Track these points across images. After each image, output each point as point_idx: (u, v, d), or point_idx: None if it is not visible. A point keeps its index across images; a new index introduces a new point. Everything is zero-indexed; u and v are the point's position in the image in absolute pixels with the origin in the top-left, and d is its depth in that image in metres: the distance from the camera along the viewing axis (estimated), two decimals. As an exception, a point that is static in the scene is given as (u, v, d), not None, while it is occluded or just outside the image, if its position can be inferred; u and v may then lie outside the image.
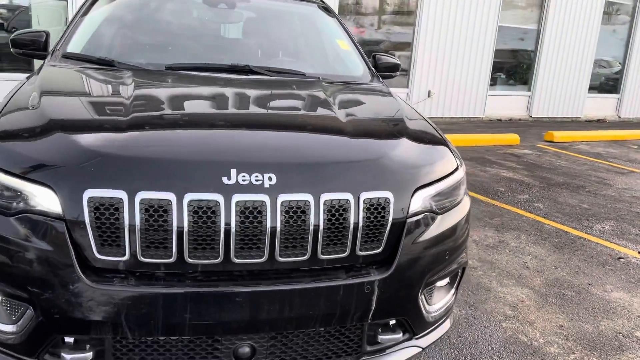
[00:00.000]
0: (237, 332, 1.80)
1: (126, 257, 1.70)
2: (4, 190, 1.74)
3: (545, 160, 8.17)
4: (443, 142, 2.28)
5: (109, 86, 2.47)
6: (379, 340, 2.00)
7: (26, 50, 3.12)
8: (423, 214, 1.97)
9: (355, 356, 2.00)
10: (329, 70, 3.19)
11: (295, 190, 1.78)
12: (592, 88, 13.88)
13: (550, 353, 2.89)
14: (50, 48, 3.03)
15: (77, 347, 1.79)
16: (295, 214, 1.76)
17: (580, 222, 5.22)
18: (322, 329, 1.90)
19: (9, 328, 1.83)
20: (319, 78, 2.97)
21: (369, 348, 2.01)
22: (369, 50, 8.69)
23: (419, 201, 1.96)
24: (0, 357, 1.87)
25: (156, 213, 1.68)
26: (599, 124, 13.26)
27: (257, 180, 1.76)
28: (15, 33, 3.14)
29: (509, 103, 12.43)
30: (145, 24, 3.20)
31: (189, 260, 1.72)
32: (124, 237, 1.67)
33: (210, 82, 2.67)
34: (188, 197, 1.70)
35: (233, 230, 1.71)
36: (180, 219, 1.68)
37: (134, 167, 1.74)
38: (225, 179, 1.74)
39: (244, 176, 1.76)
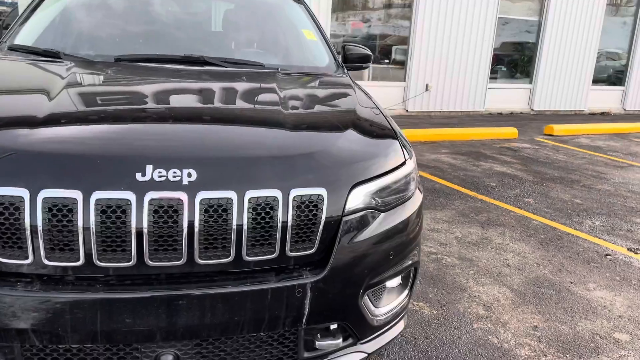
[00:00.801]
0: (154, 340, 1.67)
1: (29, 260, 1.58)
2: None
3: (542, 154, 7.98)
4: (392, 134, 2.14)
5: (42, 79, 2.35)
6: (317, 347, 1.87)
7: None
8: (363, 212, 1.84)
9: (286, 363, 1.87)
10: (291, 61, 3.05)
11: (218, 187, 1.65)
12: (600, 81, 13.62)
13: (520, 356, 2.74)
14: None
15: (-14, 354, 1.68)
16: (216, 212, 1.63)
17: (570, 218, 5.05)
18: (253, 335, 1.77)
19: None
20: (277, 69, 2.83)
21: (306, 354, 1.88)
22: (363, 44, 8.51)
23: (358, 198, 1.83)
24: None
25: (60, 213, 1.56)
26: (603, 117, 13.00)
27: (174, 177, 1.63)
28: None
29: (509, 96, 12.21)
30: (96, 16, 3.07)
31: (98, 263, 1.60)
32: (26, 239, 1.55)
33: (155, 73, 2.54)
34: (96, 195, 1.57)
35: (145, 231, 1.59)
36: (87, 219, 1.56)
37: (38, 163, 1.61)
38: (139, 176, 1.62)
39: (160, 172, 1.63)
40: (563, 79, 12.64)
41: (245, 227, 1.65)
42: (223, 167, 1.70)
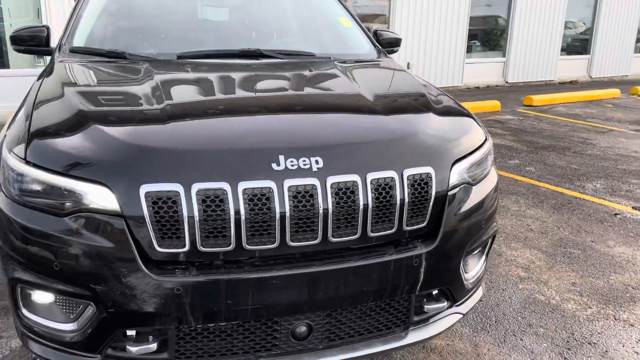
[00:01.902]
0: (295, 313, 1.85)
1: (186, 248, 1.73)
2: (55, 191, 1.74)
3: (528, 125, 8.35)
4: (469, 115, 2.34)
5: (134, 79, 2.46)
6: (425, 310, 2.08)
7: (27, 47, 3.06)
8: (461, 186, 2.04)
9: (404, 327, 2.08)
10: (337, 49, 3.21)
11: (343, 171, 1.83)
12: (568, 51, 14.13)
13: (569, 309, 3.03)
14: (56, 43, 2.98)
15: (140, 339, 1.83)
16: (345, 194, 1.81)
17: (573, 183, 5.39)
18: (374, 303, 1.97)
19: (68, 326, 1.85)
20: (329, 58, 2.99)
21: (415, 318, 2.09)
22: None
23: (456, 174, 2.03)
24: (59, 356, 1.89)
25: (213, 203, 1.71)
26: (573, 85, 13.53)
27: (305, 165, 1.80)
28: (14, 30, 3.07)
29: (485, 70, 12.59)
30: (148, 13, 3.16)
31: (247, 246, 1.76)
32: (184, 229, 1.70)
33: (229, 68, 2.67)
34: (242, 185, 1.73)
35: (287, 214, 1.75)
36: (237, 207, 1.72)
37: (187, 159, 1.76)
38: (274, 165, 1.78)
39: (292, 161, 1.79)
40: (534, 50, 13.08)
41: (370, 206, 1.84)
42: (344, 154, 1.88)
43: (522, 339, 2.74)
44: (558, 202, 4.79)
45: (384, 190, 1.86)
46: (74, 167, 1.75)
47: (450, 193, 2.00)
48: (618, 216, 4.49)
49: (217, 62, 2.75)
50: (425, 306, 2.08)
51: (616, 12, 14.36)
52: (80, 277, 1.73)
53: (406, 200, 1.89)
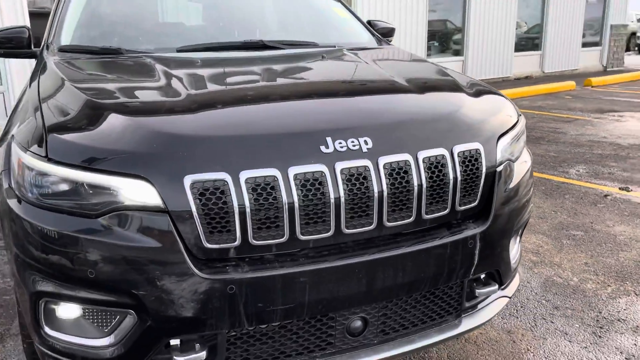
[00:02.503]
0: (352, 306, 1.72)
1: (237, 243, 1.57)
2: (85, 189, 1.56)
3: (498, 118, 8.47)
4: (499, 93, 2.28)
5: (141, 72, 2.28)
6: (477, 295, 1.99)
7: (7, 50, 2.83)
8: (505, 163, 1.97)
9: (456, 314, 1.98)
10: (337, 38, 3.10)
11: (393, 151, 1.72)
12: (522, 48, 14.55)
13: (589, 289, 3.01)
14: (42, 43, 2.75)
15: (185, 347, 1.65)
16: (399, 175, 1.70)
17: (556, 169, 5.46)
18: (429, 291, 1.86)
19: (103, 341, 1.66)
20: (334, 46, 2.89)
21: (467, 304, 2.00)
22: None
23: (500, 150, 1.95)
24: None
25: (264, 191, 1.56)
26: (528, 80, 13.91)
27: (354, 146, 1.68)
28: (-9, 31, 2.83)
29: (445, 69, 12.76)
30: (138, 7, 2.97)
31: (301, 237, 1.62)
32: (234, 221, 1.55)
33: (237, 60, 2.53)
34: (292, 170, 1.59)
35: (342, 199, 1.63)
36: (289, 194, 1.58)
37: (231, 145, 1.61)
38: (323, 148, 1.65)
39: (340, 143, 1.67)
40: (490, 48, 13.39)
41: (424, 186, 1.74)
42: (393, 132, 1.77)
43: (552, 322, 2.69)
44: (547, 188, 4.83)
45: (436, 168, 1.76)
46: (104, 160, 1.57)
47: (498, 170, 1.91)
48: (608, 197, 4.56)
49: (222, 54, 2.59)
50: (477, 290, 1.98)
51: (562, 9, 14.88)
52: (120, 283, 1.55)
53: (458, 178, 1.80)
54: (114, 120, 1.68)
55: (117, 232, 1.54)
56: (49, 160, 1.59)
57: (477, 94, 2.17)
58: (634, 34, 23.60)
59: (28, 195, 1.62)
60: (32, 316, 1.70)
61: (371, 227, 1.70)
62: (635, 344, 2.49)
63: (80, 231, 1.55)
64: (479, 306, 2.06)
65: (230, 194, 1.54)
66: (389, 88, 2.16)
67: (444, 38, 13.04)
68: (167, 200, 1.52)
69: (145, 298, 1.55)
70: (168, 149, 1.57)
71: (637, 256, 3.41)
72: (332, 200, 1.62)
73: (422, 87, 2.15)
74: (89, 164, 1.56)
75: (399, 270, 1.73)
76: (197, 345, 1.66)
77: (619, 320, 2.70)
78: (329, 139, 1.67)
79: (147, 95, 2.02)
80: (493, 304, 2.08)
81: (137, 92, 2.03)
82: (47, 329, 1.71)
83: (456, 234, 1.82)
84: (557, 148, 6.37)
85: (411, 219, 1.75)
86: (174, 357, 1.63)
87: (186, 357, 1.62)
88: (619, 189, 4.77)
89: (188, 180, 1.52)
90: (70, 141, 1.64)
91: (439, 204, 1.79)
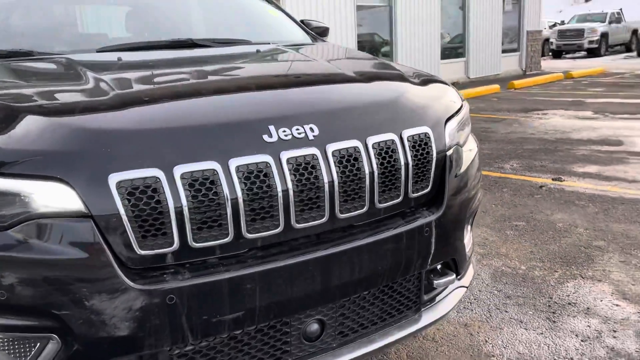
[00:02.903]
0: (308, 308, 1.58)
1: (175, 247, 1.40)
2: (-9, 197, 1.34)
3: (430, 122, 8.62)
4: (441, 80, 2.23)
5: (57, 74, 2.05)
6: (435, 286, 1.90)
7: None
8: (454, 147, 1.90)
9: (415, 309, 1.88)
10: (271, 36, 2.97)
11: (341, 137, 1.60)
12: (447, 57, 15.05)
13: (538, 276, 3.01)
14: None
15: (123, 373, 1.45)
16: (349, 162, 1.59)
17: (491, 165, 5.57)
18: (386, 285, 1.75)
19: (23, 375, 1.42)
20: (269, 43, 2.76)
21: (425, 297, 1.90)
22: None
23: (448, 134, 1.88)
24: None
25: (203, 187, 1.40)
26: (455, 86, 14.35)
27: (299, 134, 1.55)
28: None
29: (375, 78, 12.93)
30: (51, 8, 2.72)
31: (248, 235, 1.47)
32: (170, 223, 1.37)
33: (166, 60, 2.34)
34: (234, 162, 1.44)
35: (291, 191, 1.49)
36: (232, 188, 1.42)
37: (161, 139, 1.43)
38: (266, 137, 1.51)
39: (284, 131, 1.54)
40: (418, 58, 13.74)
41: (376, 173, 1.63)
42: (339, 119, 1.66)
43: (506, 311, 2.65)
44: (486, 184, 4.89)
45: (386, 154, 1.66)
46: (14, 164, 1.35)
47: (448, 154, 1.84)
48: (544, 188, 4.66)
49: (149, 54, 2.40)
50: (435, 281, 1.89)
51: (482, 19, 15.52)
52: (39, 304, 1.33)
53: (410, 163, 1.71)
54: (28, 122, 1.46)
55: (32, 244, 1.32)
56: None
57: (421, 81, 2.11)
58: (547, 40, 25.03)
59: None
60: None
61: (323, 220, 1.57)
62: (588, 326, 2.49)
63: (-9, 247, 1.32)
64: (437, 299, 1.97)
65: (164, 192, 1.36)
66: (332, 77, 2.06)
67: (373, 51, 13.25)
68: (90, 203, 1.33)
69: (70, 319, 1.34)
70: (88, 146, 1.38)
71: (577, 241, 3.47)
72: (280, 193, 1.48)
73: (366, 76, 2.05)
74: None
75: (355, 264, 1.61)
76: (136, 369, 1.46)
77: (569, 304, 2.70)
78: (271, 128, 1.53)
79: (67, 96, 1.80)
80: (451, 295, 2.00)
81: (56, 94, 1.80)
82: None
83: (411, 223, 1.73)
84: (490, 146, 6.52)
85: (364, 209, 1.64)
86: (108, 384, 1.42)
87: (120, 384, 1.42)
88: (552, 179, 4.91)
89: (113, 179, 1.34)
90: None
91: (392, 192, 1.69)
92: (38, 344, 1.40)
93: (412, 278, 1.83)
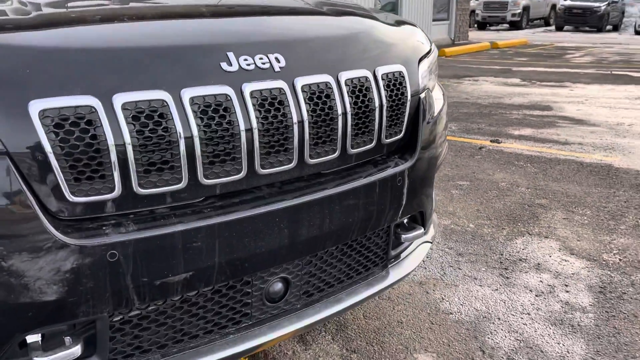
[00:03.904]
0: (272, 264, 1.39)
1: (116, 193, 1.15)
2: None
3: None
4: (410, 22, 2.04)
5: None
6: (403, 240, 1.76)
7: None
8: (426, 91, 1.75)
9: (382, 265, 1.74)
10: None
11: (311, 71, 1.39)
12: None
13: (487, 233, 2.98)
14: None
15: (50, 343, 1.20)
16: (320, 99, 1.39)
17: (430, 127, 5.54)
18: (355, 239, 1.59)
19: None
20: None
21: (393, 252, 1.76)
22: None
23: (420, 76, 1.72)
24: None
25: (150, 120, 1.15)
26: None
27: (263, 64, 1.33)
28: None
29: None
30: None
31: (205, 181, 1.24)
32: (110, 163, 1.12)
33: None
34: (187, 92, 1.20)
35: (255, 130, 1.27)
36: (185, 124, 1.19)
37: (98, 62, 1.16)
38: (224, 65, 1.28)
39: (246, 60, 1.31)
40: (415, 16, 13.75)
41: (349, 114, 1.44)
42: (308, 50, 1.45)
43: (460, 269, 2.59)
44: (426, 145, 4.84)
45: (360, 92, 1.47)
46: None
47: (421, 96, 1.68)
48: (483, 149, 4.68)
49: None
50: (403, 236, 1.75)
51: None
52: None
53: (384, 104, 1.53)
54: None
55: None
56: None
57: (392, 21, 1.92)
58: (472, 11, 25.59)
59: None
60: None
61: (291, 166, 1.37)
62: (541, 281, 2.47)
63: None
64: (403, 255, 1.84)
65: (102, 125, 1.10)
66: (300, 9, 1.82)
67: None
68: (4, 136, 1.05)
69: (-16, 282, 1.07)
70: (2, 65, 1.09)
71: (520, 199, 3.48)
72: (243, 132, 1.25)
73: (336, 11, 1.83)
74: None
75: (325, 216, 1.43)
76: (67, 339, 1.22)
77: (520, 260, 2.68)
78: (230, 55, 1.30)
79: None
80: (417, 251, 1.87)
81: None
82: None
83: (384, 171, 1.56)
84: (427, 109, 6.50)
85: (336, 154, 1.45)
86: (34, 359, 1.17)
87: (52, 357, 1.17)
88: (491, 141, 4.94)
89: (35, 107, 1.06)
90: None
91: (365, 136, 1.51)
92: None
93: (381, 232, 1.67)
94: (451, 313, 2.23)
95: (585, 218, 3.18)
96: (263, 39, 1.39)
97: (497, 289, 2.41)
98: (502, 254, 2.74)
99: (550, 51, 14.06)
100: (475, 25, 25.87)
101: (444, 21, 17.25)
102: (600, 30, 24.51)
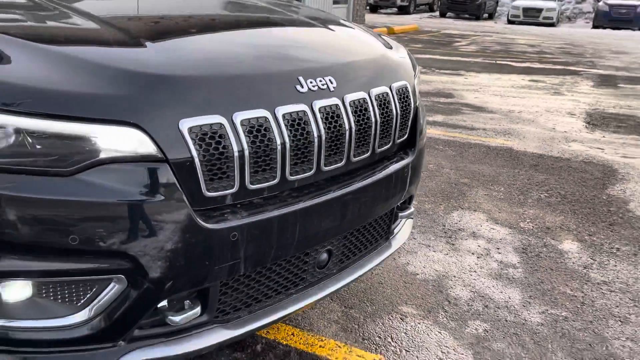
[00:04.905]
0: (326, 239, 1.80)
1: (235, 189, 1.50)
2: (59, 142, 1.29)
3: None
4: (401, 45, 2.49)
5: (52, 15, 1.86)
6: (399, 217, 2.24)
7: None
8: (419, 100, 2.22)
9: (386, 237, 2.21)
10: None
11: (353, 89, 1.81)
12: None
13: (429, 209, 3.58)
14: None
15: (176, 306, 1.54)
16: (361, 112, 1.81)
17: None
18: (374, 219, 2.04)
19: (77, 317, 1.43)
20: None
21: (393, 228, 2.25)
22: None
23: (417, 89, 2.20)
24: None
25: (259, 133, 1.52)
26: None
27: (323, 85, 1.72)
28: None
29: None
30: None
31: (290, 177, 1.63)
32: (234, 166, 1.47)
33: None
34: (280, 110, 1.57)
35: (323, 137, 1.67)
36: (281, 134, 1.56)
37: (221, 86, 1.50)
38: (299, 88, 1.66)
39: (312, 82, 1.70)
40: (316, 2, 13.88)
41: (378, 122, 1.88)
42: (349, 72, 1.85)
43: (415, 238, 3.15)
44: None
45: (384, 105, 1.92)
46: (80, 107, 1.31)
47: (418, 105, 2.16)
48: (407, 134, 5.31)
49: None
50: (400, 214, 2.24)
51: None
52: (113, 246, 1.35)
53: (399, 113, 1.99)
54: (102, 70, 1.40)
55: (108, 188, 1.33)
56: (4, 111, 1.26)
57: (389, 44, 2.36)
58: (365, -6, 26.62)
59: None
60: None
61: (342, 164, 1.79)
62: (478, 246, 3.10)
63: (55, 192, 1.30)
64: (396, 230, 2.33)
65: (228, 137, 1.45)
66: (327, 34, 2.21)
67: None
68: (165, 148, 1.37)
69: (144, 259, 1.39)
70: (160, 92, 1.39)
71: (448, 179, 4.14)
72: (316, 139, 1.65)
73: (356, 38, 2.25)
74: (61, 112, 1.30)
75: (362, 201, 1.86)
76: (187, 302, 1.56)
77: (459, 230, 3.30)
78: (301, 79, 1.68)
79: (98, 35, 1.69)
80: (405, 226, 2.37)
81: (111, 45, 1.64)
82: (-12, 320, 1.39)
83: (397, 164, 2.02)
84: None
85: (368, 154, 1.89)
86: (170, 318, 1.51)
87: (182, 316, 1.52)
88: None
89: (185, 124, 1.39)
90: (27, 85, 1.31)
91: (386, 138, 1.96)
92: (95, 287, 1.42)
93: (389, 212, 2.14)
94: (417, 274, 2.78)
95: (500, 194, 3.90)
96: (319, 65, 1.79)
97: (447, 254, 3.00)
98: (444, 225, 3.34)
99: (440, 39, 15.26)
100: (368, 8, 27.01)
101: (343, 4, 17.91)
102: (478, 18, 26.65)
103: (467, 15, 26.65)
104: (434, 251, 3.02)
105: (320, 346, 2.21)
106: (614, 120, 6.39)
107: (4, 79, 1.31)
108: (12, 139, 1.28)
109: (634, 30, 22.79)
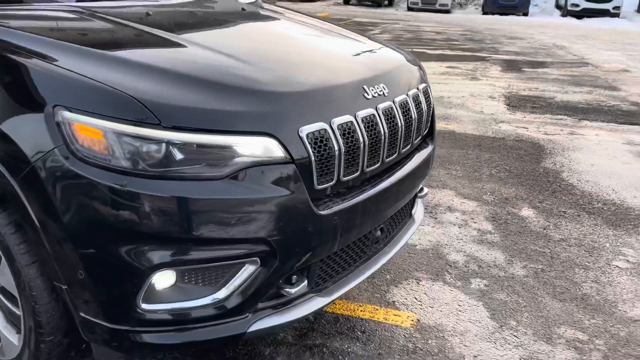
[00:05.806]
0: (384, 218, 2.18)
1: (333, 181, 1.83)
2: (211, 152, 1.57)
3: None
4: (412, 54, 2.89)
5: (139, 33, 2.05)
6: (419, 196, 2.67)
7: None
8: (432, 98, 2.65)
9: (409, 215, 2.63)
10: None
11: (398, 93, 2.19)
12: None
13: (406, 189, 4.04)
14: None
15: (288, 281, 1.86)
16: (406, 111, 2.20)
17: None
18: (412, 196, 2.45)
19: (211, 298, 1.71)
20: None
21: (414, 207, 2.67)
22: None
23: (431, 89, 2.62)
24: (197, 334, 1.74)
25: (349, 134, 1.86)
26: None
27: (379, 91, 2.08)
28: None
29: None
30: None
31: (366, 169, 1.98)
32: (335, 163, 1.81)
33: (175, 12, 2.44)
34: (359, 115, 1.92)
35: (386, 134, 2.04)
36: (362, 134, 1.91)
37: (320, 97, 1.82)
38: (366, 95, 2.01)
39: (373, 89, 2.05)
40: None
41: (416, 118, 2.28)
42: (394, 78, 2.23)
43: (403, 216, 3.59)
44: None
45: (417, 104, 2.31)
46: (230, 121, 1.60)
47: (432, 103, 2.59)
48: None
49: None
50: (419, 194, 2.66)
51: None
52: (253, 234, 1.65)
53: (425, 110, 2.40)
54: (242, 93, 1.71)
55: (250, 187, 1.62)
56: (166, 128, 1.51)
57: (406, 52, 2.74)
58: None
59: (139, 168, 1.51)
60: (129, 296, 1.61)
61: (395, 155, 2.16)
62: (457, 218, 3.62)
63: (215, 193, 1.57)
64: (414, 209, 2.75)
65: (331, 140, 1.79)
66: (356, 41, 2.56)
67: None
68: (292, 151, 1.68)
69: (277, 243, 1.70)
70: (286, 107, 1.70)
71: (412, 162, 4.63)
72: (383, 137, 2.02)
73: (371, 39, 2.62)
74: (212, 127, 1.57)
75: (407, 183, 2.26)
76: (294, 277, 1.88)
77: (437, 205, 3.80)
78: (366, 87, 2.03)
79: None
80: (420, 204, 2.80)
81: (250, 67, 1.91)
82: (143, 306, 1.64)
83: (424, 151, 2.44)
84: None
85: (409, 145, 2.29)
86: (287, 290, 1.83)
87: (297, 289, 1.84)
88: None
89: (303, 131, 1.71)
90: (179, 104, 1.57)
91: (419, 132, 2.37)
92: (232, 270, 1.71)
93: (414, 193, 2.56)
94: (416, 245, 3.23)
95: (459, 172, 4.47)
96: (373, 74, 2.14)
97: (434, 226, 3.49)
98: (427, 205, 3.83)
99: (354, 28, 15.85)
100: (274, -5, 27.21)
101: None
102: (379, 5, 27.72)
103: (369, 3, 27.66)
104: (422, 225, 3.49)
105: (360, 310, 2.60)
106: (528, 102, 7.26)
107: (176, 102, 1.58)
108: (183, 152, 1.53)
109: (518, 15, 24.98)
